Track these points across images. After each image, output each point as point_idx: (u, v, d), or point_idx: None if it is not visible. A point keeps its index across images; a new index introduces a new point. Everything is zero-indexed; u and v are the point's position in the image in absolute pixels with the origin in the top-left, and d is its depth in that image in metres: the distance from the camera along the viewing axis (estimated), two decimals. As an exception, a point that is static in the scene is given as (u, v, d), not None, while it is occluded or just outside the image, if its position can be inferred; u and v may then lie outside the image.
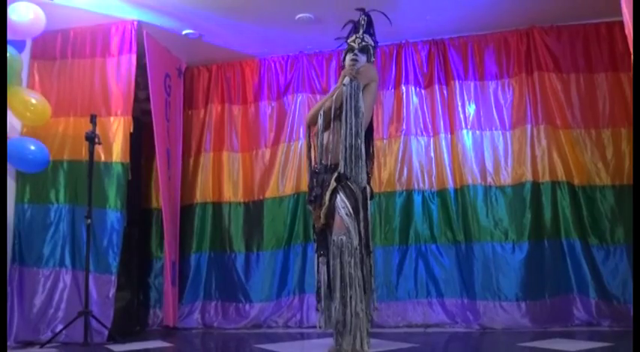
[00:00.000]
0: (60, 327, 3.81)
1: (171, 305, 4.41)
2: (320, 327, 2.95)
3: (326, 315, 2.90)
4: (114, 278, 3.96)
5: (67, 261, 4.06)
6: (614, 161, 4.22)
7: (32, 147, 3.82)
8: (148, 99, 4.33)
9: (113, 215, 4.07)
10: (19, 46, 3.91)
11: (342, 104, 2.95)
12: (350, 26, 3.24)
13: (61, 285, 4.01)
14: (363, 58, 3.12)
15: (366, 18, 3.17)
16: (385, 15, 3.18)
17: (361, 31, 3.15)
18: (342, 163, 2.86)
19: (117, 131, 4.17)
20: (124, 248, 4.17)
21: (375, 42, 3.23)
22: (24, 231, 4.08)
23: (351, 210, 2.82)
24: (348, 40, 3.20)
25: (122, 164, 4.13)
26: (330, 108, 2.99)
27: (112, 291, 3.94)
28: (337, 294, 2.74)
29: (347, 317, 2.72)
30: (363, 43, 3.12)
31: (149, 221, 4.89)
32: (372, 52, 3.19)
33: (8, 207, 4.03)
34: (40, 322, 3.91)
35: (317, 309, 2.99)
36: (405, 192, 4.49)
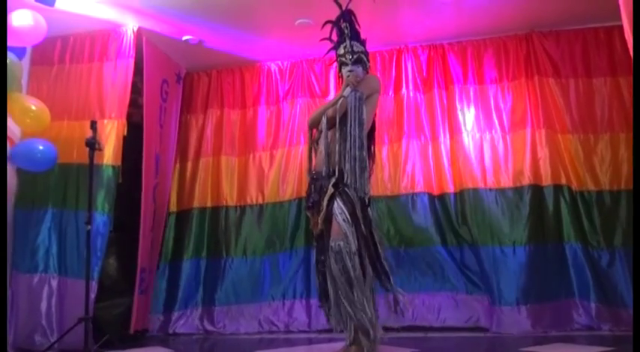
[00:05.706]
0: (51, 332, 3.79)
1: (140, 313, 4.23)
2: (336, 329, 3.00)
3: (336, 318, 2.94)
4: (95, 283, 3.81)
5: (54, 266, 3.97)
6: (612, 166, 4.23)
7: (40, 147, 3.79)
8: (147, 104, 4.33)
9: (99, 218, 3.97)
10: (20, 52, 3.91)
11: (345, 113, 2.95)
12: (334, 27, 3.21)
13: (47, 291, 3.92)
14: (358, 70, 3.10)
15: (348, 25, 3.16)
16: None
17: (348, 41, 3.13)
18: (347, 174, 2.86)
19: (110, 134, 4.11)
20: (119, 253, 4.10)
21: (363, 42, 3.19)
22: (17, 236, 4.01)
23: (348, 215, 2.82)
24: (338, 53, 3.17)
25: (113, 167, 4.05)
26: (333, 117, 2.99)
27: (93, 297, 3.75)
28: (343, 296, 2.74)
29: (352, 318, 2.73)
30: (355, 55, 3.10)
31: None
32: (365, 59, 3.16)
33: (9, 212, 4.01)
34: (33, 328, 3.84)
35: (326, 316, 3.05)
36: (405, 196, 4.49)
